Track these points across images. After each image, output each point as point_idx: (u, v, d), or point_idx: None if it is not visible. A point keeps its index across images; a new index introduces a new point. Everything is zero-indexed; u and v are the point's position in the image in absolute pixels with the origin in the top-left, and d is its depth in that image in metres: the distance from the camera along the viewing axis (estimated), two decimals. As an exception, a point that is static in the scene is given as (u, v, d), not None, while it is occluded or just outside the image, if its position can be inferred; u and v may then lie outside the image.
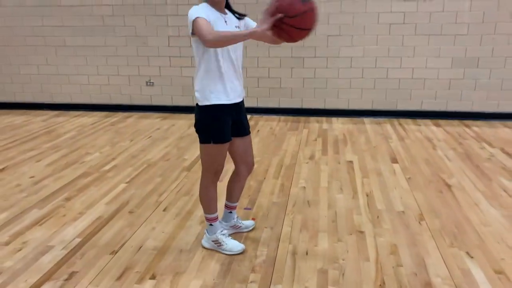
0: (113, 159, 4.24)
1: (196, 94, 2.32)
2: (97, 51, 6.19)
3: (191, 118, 5.61)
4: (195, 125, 2.39)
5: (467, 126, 5.29)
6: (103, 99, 6.38)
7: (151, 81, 6.18)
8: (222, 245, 2.51)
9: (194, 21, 2.11)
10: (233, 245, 2.53)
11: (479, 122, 5.42)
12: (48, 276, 2.32)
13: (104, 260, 2.47)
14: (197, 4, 2.21)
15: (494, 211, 3.03)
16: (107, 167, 4.00)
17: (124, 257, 2.50)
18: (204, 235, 2.60)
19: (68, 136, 5.07)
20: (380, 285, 2.23)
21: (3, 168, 4.00)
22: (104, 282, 2.27)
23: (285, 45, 5.56)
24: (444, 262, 2.42)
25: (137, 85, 6.24)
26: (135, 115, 6.09)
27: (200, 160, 2.50)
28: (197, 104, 2.35)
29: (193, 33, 2.17)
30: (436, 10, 5.31)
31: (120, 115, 6.11)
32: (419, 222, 2.88)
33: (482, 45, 5.38)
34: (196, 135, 2.40)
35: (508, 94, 5.48)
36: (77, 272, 2.36)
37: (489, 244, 2.60)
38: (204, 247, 2.58)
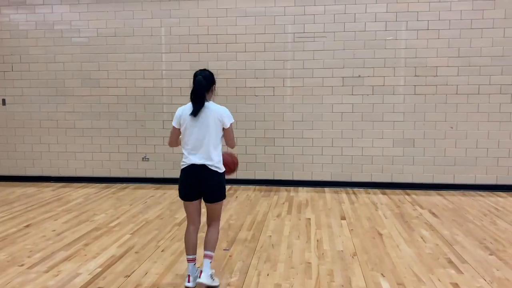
0: (117, 218, 5.21)
1: (217, 165, 3.22)
2: (101, 133, 7.36)
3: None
4: (218, 189, 3.24)
5: (407, 194, 6.47)
6: (103, 172, 7.43)
7: (146, 157, 7.31)
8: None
9: (231, 125, 3.28)
10: None
11: (418, 191, 6.62)
12: (81, 290, 3.25)
13: (120, 280, 3.40)
14: (215, 102, 3.31)
15: (409, 250, 4.09)
16: (113, 224, 4.96)
17: (135, 278, 3.45)
18: (212, 274, 3.28)
19: (76, 202, 6.04)
20: (317, 291, 3.22)
21: (28, 225, 4.92)
22: (122, 293, 3.20)
23: (260, 127, 6.89)
24: (364, 279, 3.43)
25: (134, 160, 7.34)
26: (131, 186, 7.11)
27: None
28: (217, 172, 3.22)
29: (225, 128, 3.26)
30: (377, 102, 6.75)
31: (118, 186, 7.12)
32: (352, 257, 3.91)
33: (415, 129, 6.76)
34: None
35: (440, 168, 6.76)
36: (103, 287, 3.28)
37: (399, 269, 3.63)
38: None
